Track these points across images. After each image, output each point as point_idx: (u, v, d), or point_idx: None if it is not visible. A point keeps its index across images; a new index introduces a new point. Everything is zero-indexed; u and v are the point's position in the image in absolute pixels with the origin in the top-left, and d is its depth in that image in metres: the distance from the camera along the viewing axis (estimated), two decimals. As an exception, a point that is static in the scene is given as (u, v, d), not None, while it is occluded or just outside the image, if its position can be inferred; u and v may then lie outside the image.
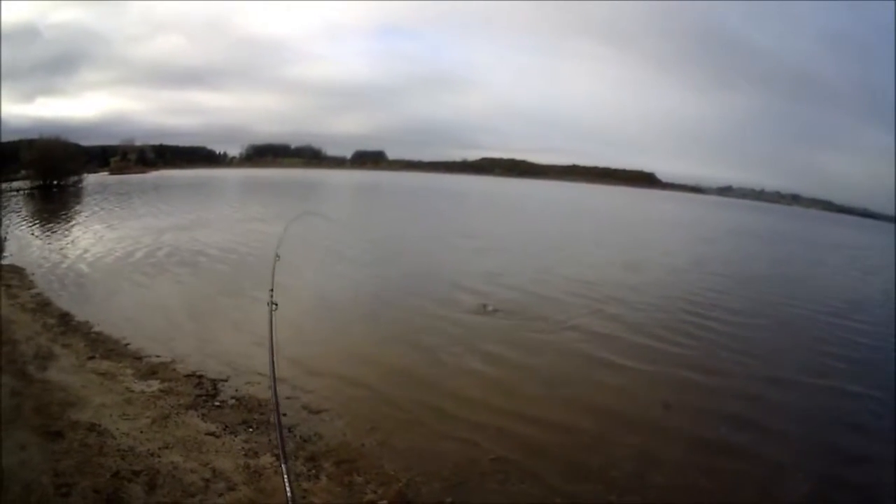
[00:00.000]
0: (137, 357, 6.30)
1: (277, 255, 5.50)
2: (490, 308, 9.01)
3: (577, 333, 8.12)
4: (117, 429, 4.85)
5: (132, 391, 5.63)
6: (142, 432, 4.82)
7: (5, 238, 13.62)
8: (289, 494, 1.90)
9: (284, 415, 4.92)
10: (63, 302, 8.37)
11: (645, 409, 5.62)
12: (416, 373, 6.21)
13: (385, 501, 3.81)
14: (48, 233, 15.82)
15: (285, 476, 2.05)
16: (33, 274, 10.09)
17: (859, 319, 10.63)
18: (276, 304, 3.86)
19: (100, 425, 4.88)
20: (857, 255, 26.34)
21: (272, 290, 4.23)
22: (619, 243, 21.07)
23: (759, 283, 14.09)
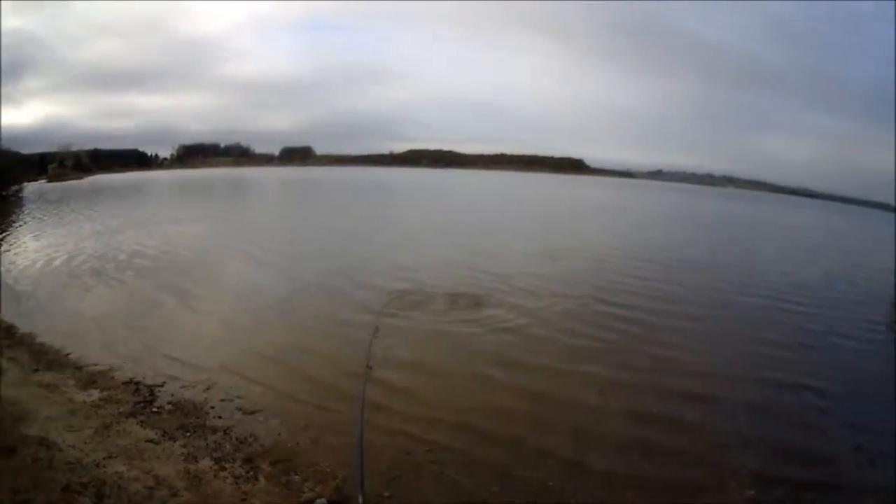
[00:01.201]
0: (78, 367, 6.22)
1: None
2: (398, 308, 8.71)
3: (482, 329, 7.81)
4: (64, 441, 4.82)
5: (75, 402, 5.57)
6: (86, 443, 4.80)
7: None
8: None
9: (220, 417, 5.00)
10: (7, 314, 8.14)
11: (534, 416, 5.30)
12: (344, 369, 6.13)
13: (323, 499, 3.86)
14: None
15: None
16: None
17: (798, 302, 10.42)
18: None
19: (48, 438, 4.85)
20: (796, 235, 26.54)
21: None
22: (541, 232, 20.70)
23: (686, 268, 13.73)
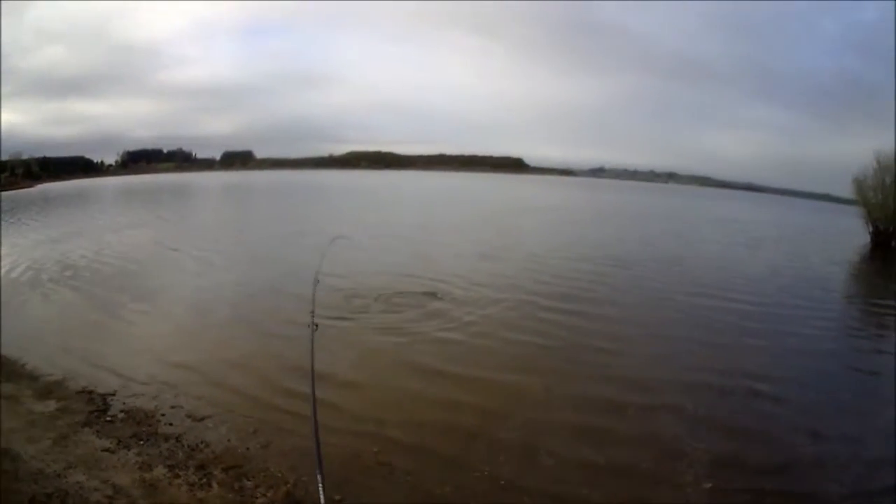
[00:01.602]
0: (34, 377, 6.21)
1: None
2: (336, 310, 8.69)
3: (408, 338, 7.67)
4: (26, 452, 4.88)
5: (33, 412, 5.59)
6: (47, 454, 4.85)
7: None
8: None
9: (171, 424, 5.09)
10: None
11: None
12: (287, 372, 6.22)
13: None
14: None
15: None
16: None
17: (737, 299, 10.38)
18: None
19: (12, 450, 4.91)
20: (739, 228, 26.87)
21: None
22: (477, 232, 20.59)
23: (628, 265, 13.77)
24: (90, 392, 5.78)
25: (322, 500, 2.14)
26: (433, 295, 9.91)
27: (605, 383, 6.22)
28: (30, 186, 50.46)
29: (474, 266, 12.96)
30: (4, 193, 44.91)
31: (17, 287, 11.07)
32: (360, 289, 10.20)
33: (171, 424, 5.06)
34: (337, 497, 4.12)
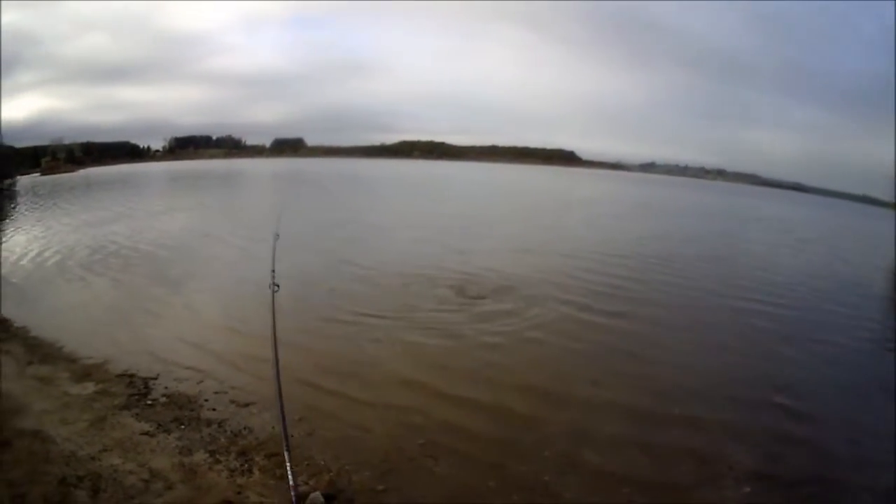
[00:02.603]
0: (72, 360, 6.23)
1: None
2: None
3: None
4: (59, 434, 4.85)
5: (69, 395, 5.60)
6: (81, 436, 4.82)
7: None
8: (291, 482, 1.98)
9: (214, 409, 5.02)
10: (2, 309, 8.13)
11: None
12: (336, 364, 6.19)
13: (318, 492, 3.88)
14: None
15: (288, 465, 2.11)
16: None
17: (777, 303, 9.89)
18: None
19: (43, 432, 4.88)
20: (784, 228, 25.94)
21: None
22: (521, 224, 20.11)
23: (676, 263, 13.23)
24: (131, 375, 5.76)
25: (290, 477, 2.01)
26: (504, 289, 9.70)
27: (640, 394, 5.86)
28: (72, 171, 49.93)
29: (510, 260, 12.50)
30: (44, 178, 45.32)
31: (61, 270, 11.12)
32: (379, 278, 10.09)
33: (213, 410, 5.00)
34: (380, 487, 3.97)
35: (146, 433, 4.75)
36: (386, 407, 5.16)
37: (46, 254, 12.66)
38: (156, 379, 5.66)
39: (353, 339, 7.11)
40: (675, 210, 32.62)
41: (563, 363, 6.61)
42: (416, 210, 23.82)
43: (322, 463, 4.18)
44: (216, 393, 5.30)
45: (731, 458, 4.56)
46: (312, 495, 3.90)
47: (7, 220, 20.03)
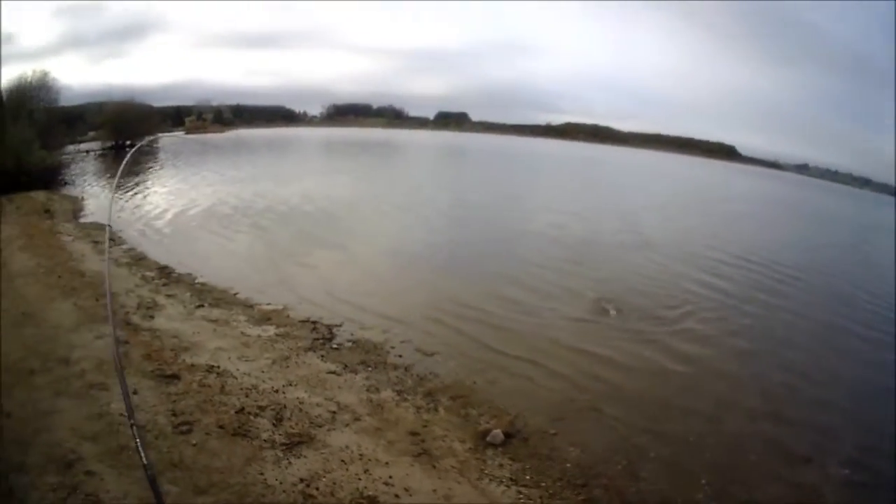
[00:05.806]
0: (248, 305, 6.86)
1: None
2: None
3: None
4: (237, 369, 5.31)
5: (248, 335, 6.11)
6: (263, 372, 5.32)
7: (83, 197, 14.43)
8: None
9: (400, 356, 5.61)
10: (159, 256, 8.95)
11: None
12: (515, 324, 6.74)
13: (498, 430, 4.43)
14: (124, 191, 15.84)
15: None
16: (121, 230, 10.63)
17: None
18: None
19: (218, 367, 5.33)
20: None
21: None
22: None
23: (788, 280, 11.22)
24: (314, 322, 6.37)
25: (140, 451, 2.26)
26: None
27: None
28: (219, 132, 49.97)
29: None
30: (192, 136, 44.96)
31: (220, 224, 11.73)
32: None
33: (399, 356, 5.59)
34: (552, 431, 4.47)
35: (332, 372, 5.28)
36: (560, 372, 5.61)
37: (191, 211, 13.15)
38: (340, 326, 6.28)
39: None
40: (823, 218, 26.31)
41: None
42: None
43: (502, 407, 4.75)
44: (402, 342, 5.90)
45: None
46: (494, 432, 4.46)
47: (148, 174, 20.52)
